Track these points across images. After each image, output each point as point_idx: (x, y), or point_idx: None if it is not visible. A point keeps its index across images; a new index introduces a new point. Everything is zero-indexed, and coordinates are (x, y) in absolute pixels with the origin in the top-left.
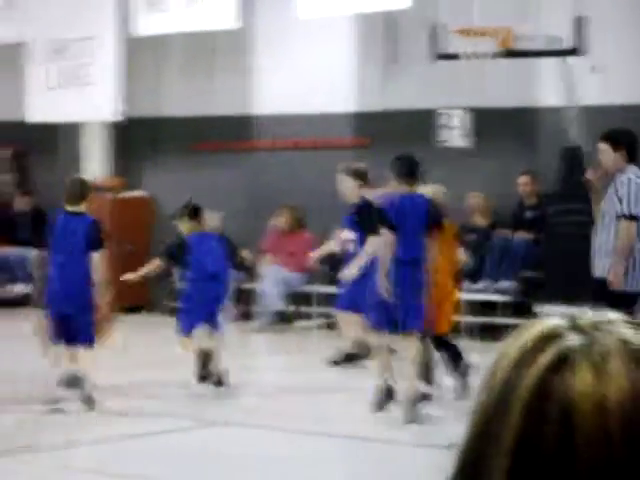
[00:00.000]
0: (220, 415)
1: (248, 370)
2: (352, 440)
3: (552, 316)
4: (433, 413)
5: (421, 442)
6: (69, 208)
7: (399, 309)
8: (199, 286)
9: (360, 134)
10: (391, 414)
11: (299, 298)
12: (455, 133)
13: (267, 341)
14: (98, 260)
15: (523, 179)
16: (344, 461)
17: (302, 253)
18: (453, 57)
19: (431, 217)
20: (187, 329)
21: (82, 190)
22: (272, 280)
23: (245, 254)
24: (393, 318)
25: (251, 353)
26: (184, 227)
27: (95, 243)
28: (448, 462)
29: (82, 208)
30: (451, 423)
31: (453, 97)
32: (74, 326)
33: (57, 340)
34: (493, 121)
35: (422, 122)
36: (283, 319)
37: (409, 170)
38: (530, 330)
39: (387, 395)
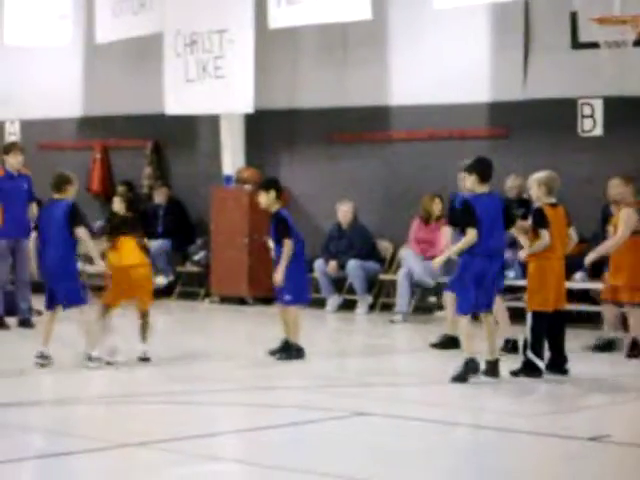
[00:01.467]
0: (360, 405)
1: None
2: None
3: None
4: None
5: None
6: (54, 196)
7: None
8: None
9: (496, 124)
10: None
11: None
12: (596, 122)
13: (410, 331)
14: (82, 234)
15: None
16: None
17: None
18: (592, 46)
19: (508, 215)
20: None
21: (61, 182)
22: (417, 266)
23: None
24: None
25: (394, 344)
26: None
27: (73, 221)
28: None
29: (63, 195)
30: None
31: (593, 86)
32: (58, 294)
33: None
34: (633, 110)
35: (562, 112)
36: (424, 310)
37: (490, 172)
38: None
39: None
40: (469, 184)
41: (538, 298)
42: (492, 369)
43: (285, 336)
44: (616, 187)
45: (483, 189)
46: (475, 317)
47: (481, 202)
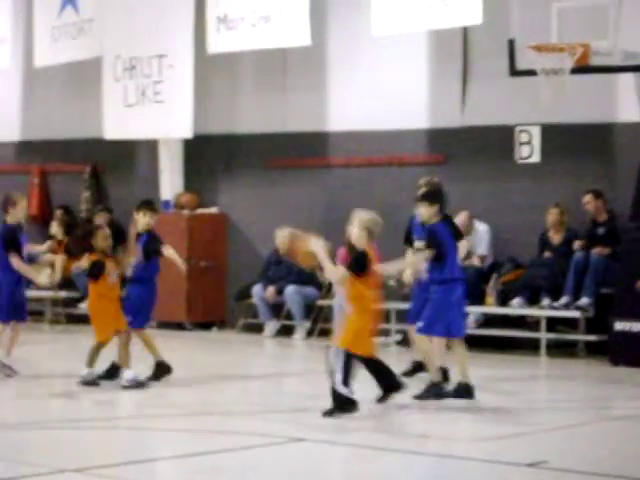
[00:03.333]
0: (297, 431)
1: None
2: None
3: None
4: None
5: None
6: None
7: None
8: None
9: (434, 151)
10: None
11: None
12: (533, 149)
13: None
14: (12, 259)
15: (587, 197)
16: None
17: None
18: (530, 73)
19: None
20: None
21: (3, 202)
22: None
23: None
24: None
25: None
26: None
27: (7, 245)
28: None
29: (7, 217)
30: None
31: (530, 113)
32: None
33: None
34: (570, 137)
35: (499, 139)
36: None
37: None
38: None
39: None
40: (428, 215)
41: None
42: (466, 390)
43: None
44: (554, 214)
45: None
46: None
47: (443, 229)
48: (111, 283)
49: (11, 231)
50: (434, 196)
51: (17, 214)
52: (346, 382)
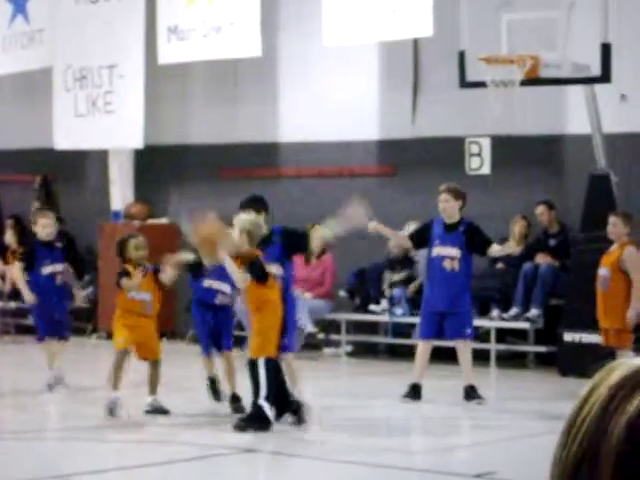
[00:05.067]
0: (248, 442)
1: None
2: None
3: (630, 359)
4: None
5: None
6: None
7: None
8: None
9: (385, 162)
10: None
11: (326, 325)
12: (483, 161)
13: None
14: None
15: (540, 208)
16: None
17: (326, 280)
18: (480, 85)
19: None
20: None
21: None
22: (300, 307)
23: None
24: None
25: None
26: None
27: None
28: None
29: None
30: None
31: (481, 125)
32: None
33: None
34: (521, 149)
35: (450, 150)
36: (312, 346)
37: None
38: (613, 375)
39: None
40: (452, 209)
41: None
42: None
43: None
44: (521, 226)
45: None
46: None
47: None
48: (130, 297)
49: None
50: (459, 193)
51: None
52: (269, 398)
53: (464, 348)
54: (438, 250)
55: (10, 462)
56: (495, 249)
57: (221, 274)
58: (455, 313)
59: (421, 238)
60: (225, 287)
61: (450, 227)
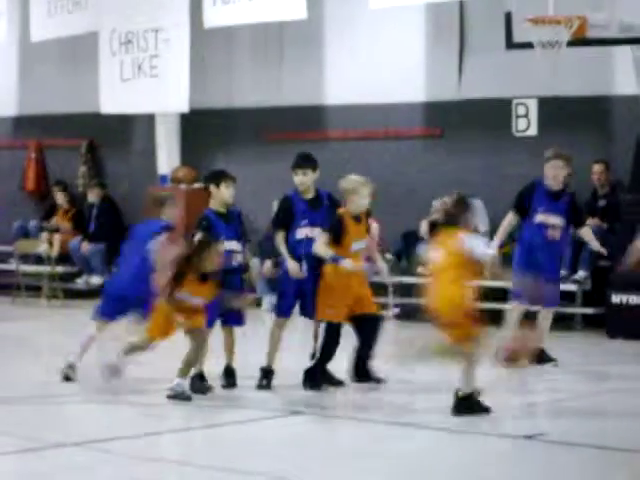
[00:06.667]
0: (303, 404)
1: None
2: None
3: None
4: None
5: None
6: None
7: None
8: None
9: (432, 124)
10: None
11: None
12: (530, 122)
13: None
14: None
15: (597, 167)
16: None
17: (371, 242)
18: (526, 46)
19: None
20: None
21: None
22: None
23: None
24: None
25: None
26: None
27: None
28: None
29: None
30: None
31: (527, 86)
32: None
33: None
34: (567, 110)
35: (496, 112)
36: None
37: None
38: None
39: None
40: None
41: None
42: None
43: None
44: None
45: None
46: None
47: None
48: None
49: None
50: (570, 159)
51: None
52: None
53: (548, 315)
54: (542, 218)
55: (60, 425)
56: (586, 233)
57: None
58: (553, 281)
59: (523, 206)
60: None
61: (555, 195)
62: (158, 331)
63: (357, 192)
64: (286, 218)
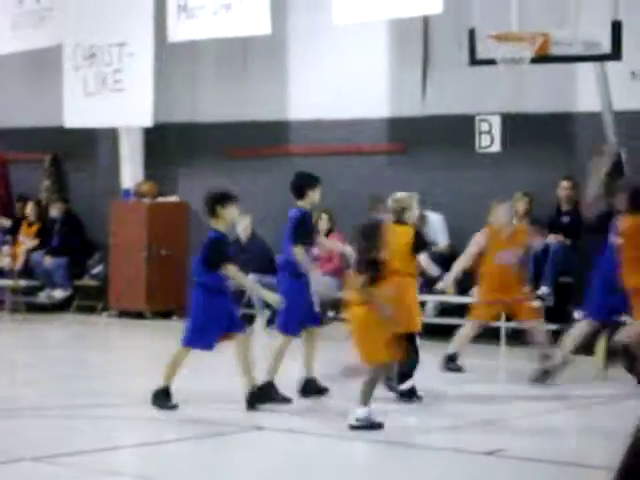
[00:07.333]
0: (257, 420)
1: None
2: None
3: None
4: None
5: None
6: None
7: None
8: None
9: (395, 140)
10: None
11: (337, 303)
12: (493, 139)
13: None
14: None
15: (565, 184)
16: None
17: (335, 257)
18: (489, 62)
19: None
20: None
21: None
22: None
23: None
24: None
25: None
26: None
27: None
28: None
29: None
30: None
31: (491, 103)
32: None
33: None
34: (530, 126)
35: (460, 128)
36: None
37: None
38: None
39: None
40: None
41: None
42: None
43: None
44: (523, 203)
45: None
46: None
47: None
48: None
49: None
50: None
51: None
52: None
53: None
54: None
55: (33, 438)
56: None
57: None
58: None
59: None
60: None
61: None
62: None
63: (412, 207)
64: (308, 233)
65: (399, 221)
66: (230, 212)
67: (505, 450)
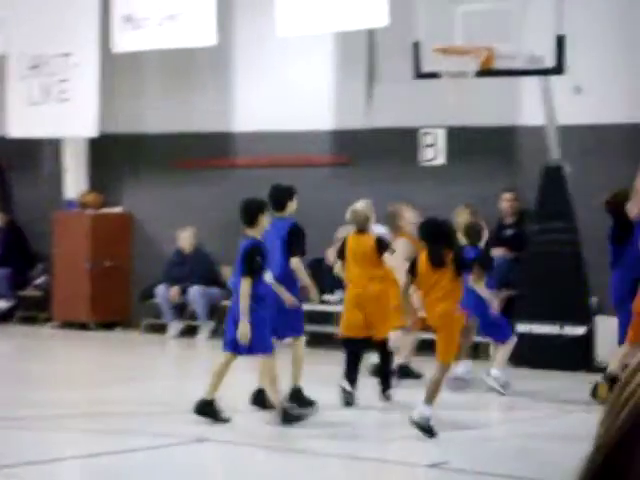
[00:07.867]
0: (200, 431)
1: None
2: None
3: None
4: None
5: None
6: None
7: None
8: None
9: (339, 152)
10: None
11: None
12: (437, 152)
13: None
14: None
15: (508, 196)
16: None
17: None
18: (434, 76)
19: None
20: None
21: None
22: None
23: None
24: None
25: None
26: None
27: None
28: None
29: None
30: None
31: (435, 116)
32: None
33: None
34: (474, 140)
35: (404, 141)
36: None
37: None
38: None
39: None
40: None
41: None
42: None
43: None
44: (464, 215)
45: None
46: None
47: None
48: None
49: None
50: None
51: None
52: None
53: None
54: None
55: None
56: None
57: None
58: None
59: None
60: None
61: None
62: None
63: (372, 216)
64: (303, 245)
65: (361, 230)
66: (266, 220)
67: (448, 463)
